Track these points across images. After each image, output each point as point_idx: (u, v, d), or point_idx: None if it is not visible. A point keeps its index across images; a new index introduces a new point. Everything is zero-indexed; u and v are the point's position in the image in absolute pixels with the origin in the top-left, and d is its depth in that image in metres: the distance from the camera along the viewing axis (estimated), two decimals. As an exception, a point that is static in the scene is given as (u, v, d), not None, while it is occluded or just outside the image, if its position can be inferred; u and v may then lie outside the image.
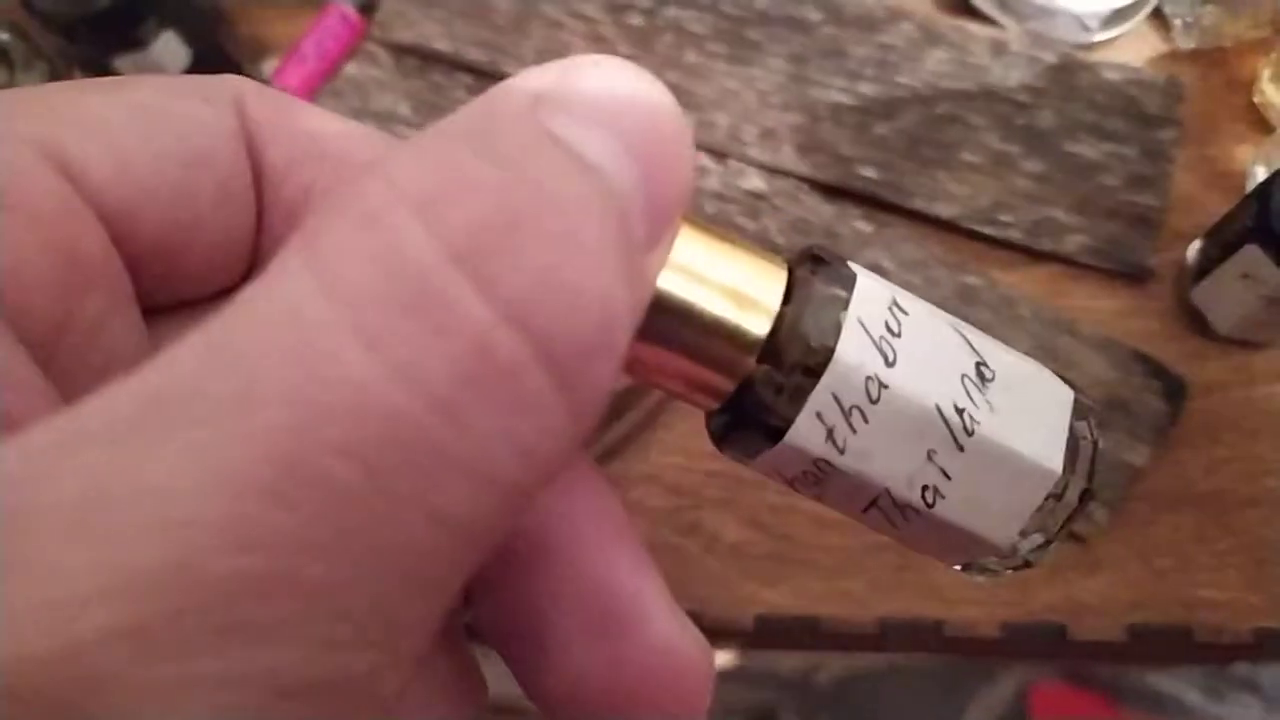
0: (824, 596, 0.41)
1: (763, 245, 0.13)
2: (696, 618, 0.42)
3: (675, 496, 0.42)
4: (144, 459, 0.08)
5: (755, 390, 0.13)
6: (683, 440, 0.43)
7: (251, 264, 0.14)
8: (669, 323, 0.12)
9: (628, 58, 0.44)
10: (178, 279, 0.13)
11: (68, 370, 0.12)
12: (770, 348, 0.13)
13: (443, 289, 0.09)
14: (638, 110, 0.11)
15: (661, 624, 0.13)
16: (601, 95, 0.10)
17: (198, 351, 0.08)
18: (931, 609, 0.41)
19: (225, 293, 0.14)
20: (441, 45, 0.46)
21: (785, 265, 0.13)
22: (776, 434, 0.13)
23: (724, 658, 0.79)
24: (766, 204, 0.44)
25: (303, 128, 0.14)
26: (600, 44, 0.46)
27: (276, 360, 0.08)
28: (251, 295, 0.09)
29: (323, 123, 0.14)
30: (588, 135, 0.10)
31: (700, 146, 0.45)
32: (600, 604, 0.12)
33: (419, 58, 0.46)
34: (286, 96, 0.15)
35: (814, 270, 0.13)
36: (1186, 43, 0.46)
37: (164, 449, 0.08)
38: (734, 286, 0.12)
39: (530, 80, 0.10)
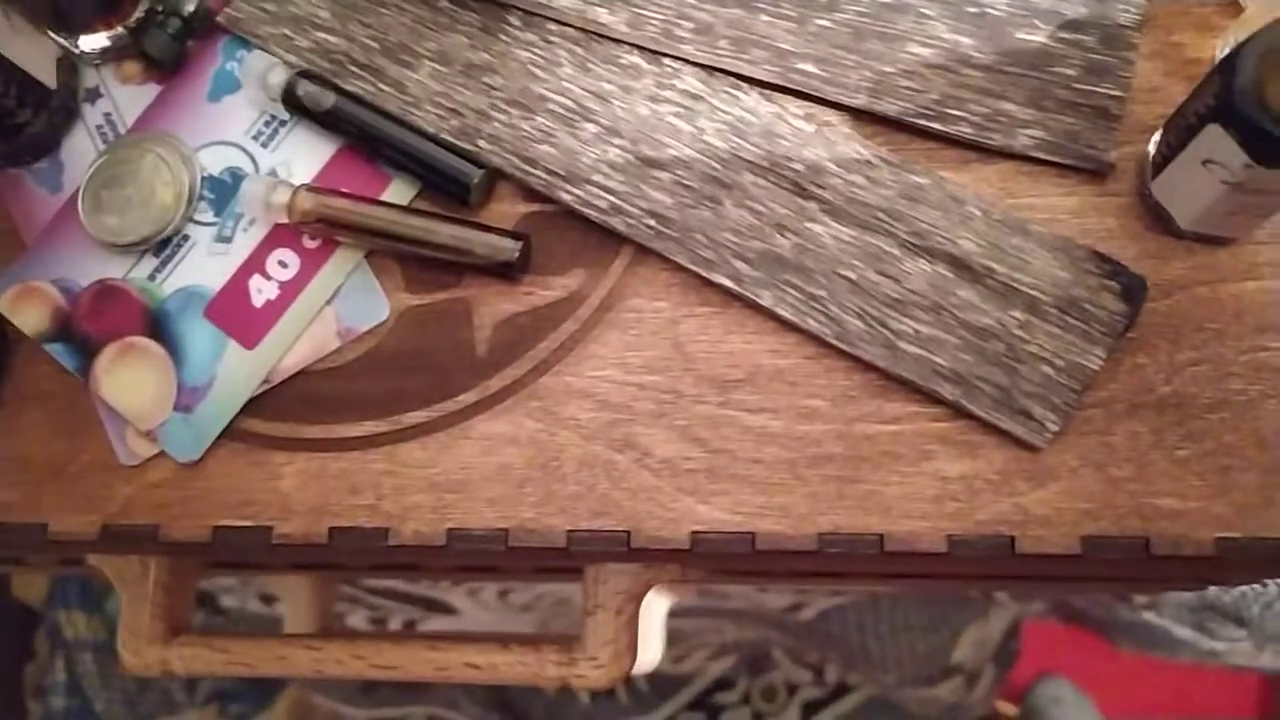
0: (762, 512, 0.39)
1: None
2: (629, 536, 0.40)
3: (608, 411, 0.41)
4: None
5: None
6: (616, 353, 0.41)
7: None
8: None
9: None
10: None
11: None
12: None
13: None
14: None
15: None
16: None
17: None
18: (873, 523, 0.39)
19: None
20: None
21: None
22: None
23: (689, 596, 0.78)
24: (704, 104, 0.42)
25: None
26: (528, -59, 0.43)
27: None
28: None
29: None
30: None
31: (633, 44, 0.43)
32: None
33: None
34: None
35: None
36: (1153, -78, 0.43)
37: None
38: None
39: None
